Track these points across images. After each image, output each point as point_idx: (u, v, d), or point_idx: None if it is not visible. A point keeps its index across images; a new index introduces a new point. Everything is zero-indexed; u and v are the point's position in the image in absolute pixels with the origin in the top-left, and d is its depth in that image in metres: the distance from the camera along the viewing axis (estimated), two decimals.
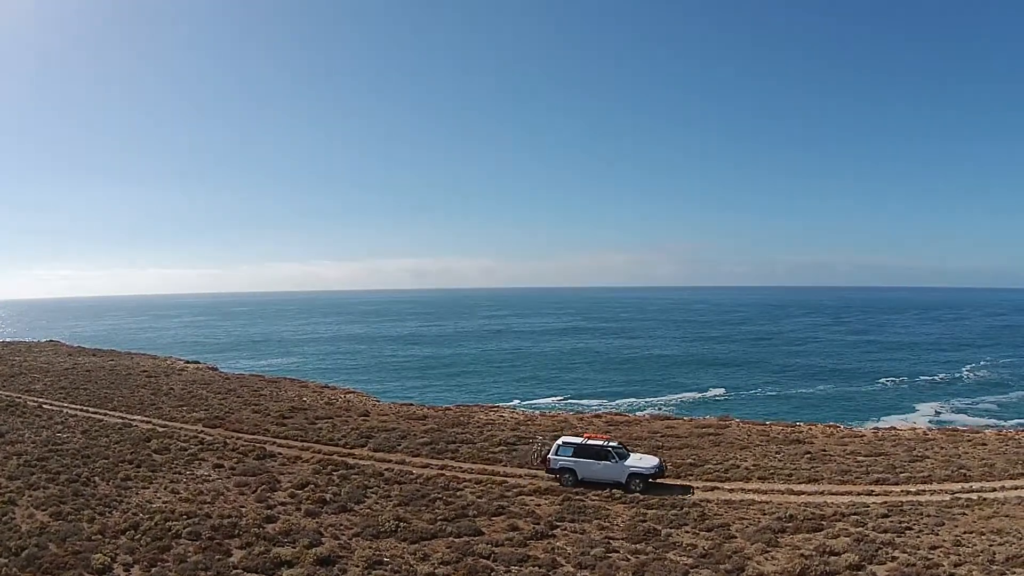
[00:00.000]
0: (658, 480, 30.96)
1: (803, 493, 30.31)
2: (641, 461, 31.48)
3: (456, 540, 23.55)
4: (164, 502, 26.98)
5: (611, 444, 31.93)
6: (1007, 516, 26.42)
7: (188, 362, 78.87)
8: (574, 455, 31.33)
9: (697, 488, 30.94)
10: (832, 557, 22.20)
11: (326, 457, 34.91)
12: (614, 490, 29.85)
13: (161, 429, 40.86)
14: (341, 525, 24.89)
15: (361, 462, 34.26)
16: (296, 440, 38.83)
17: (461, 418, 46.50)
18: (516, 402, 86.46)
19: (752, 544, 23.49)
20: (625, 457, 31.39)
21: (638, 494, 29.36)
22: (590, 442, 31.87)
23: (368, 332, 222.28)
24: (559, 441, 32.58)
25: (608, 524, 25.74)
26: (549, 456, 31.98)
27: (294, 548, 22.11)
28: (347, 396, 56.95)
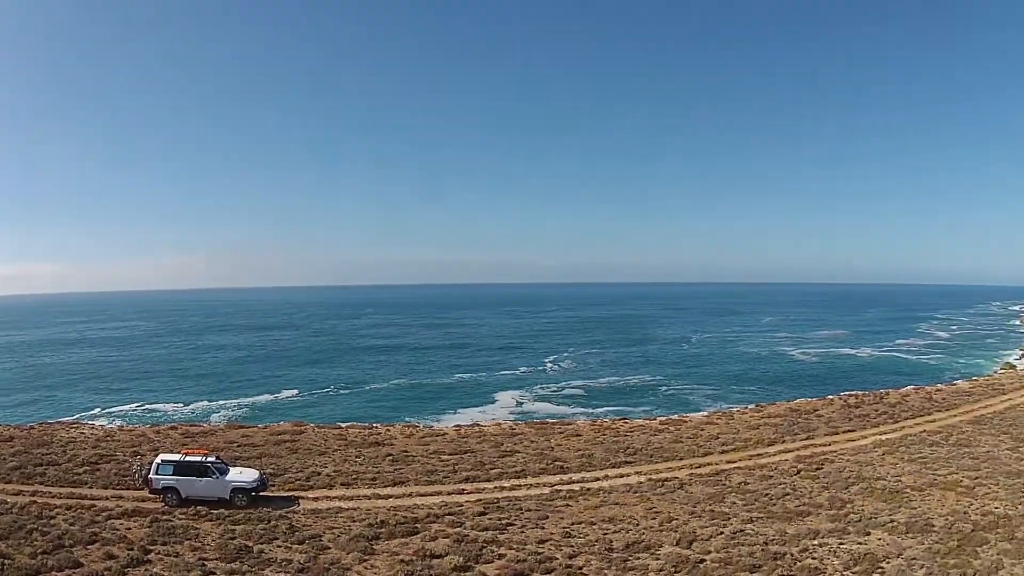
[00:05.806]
0: (262, 493, 30.68)
1: (391, 496, 29.99)
2: (242, 475, 30.95)
3: (58, 574, 22.58)
4: None
5: (210, 459, 30.94)
6: (617, 504, 26.70)
7: None
8: (175, 473, 30.09)
9: (286, 498, 30.68)
10: (435, 560, 22.01)
11: None
12: (199, 507, 29.36)
13: None
14: None
15: None
16: None
17: (45, 437, 44.09)
18: (97, 410, 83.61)
19: (348, 554, 23.16)
20: (226, 472, 30.72)
21: (225, 510, 29.06)
22: (188, 458, 30.65)
23: None
24: (158, 459, 31.01)
25: (200, 544, 25.02)
26: (150, 476, 30.54)
27: None
28: None
